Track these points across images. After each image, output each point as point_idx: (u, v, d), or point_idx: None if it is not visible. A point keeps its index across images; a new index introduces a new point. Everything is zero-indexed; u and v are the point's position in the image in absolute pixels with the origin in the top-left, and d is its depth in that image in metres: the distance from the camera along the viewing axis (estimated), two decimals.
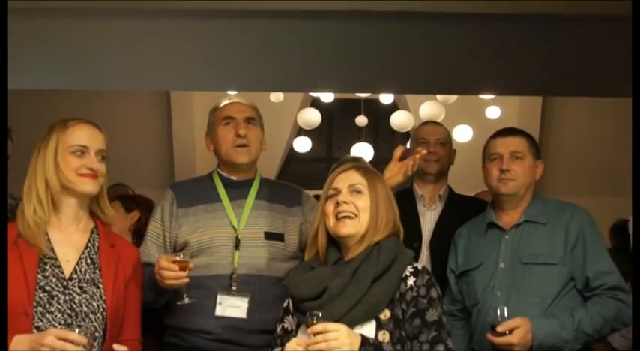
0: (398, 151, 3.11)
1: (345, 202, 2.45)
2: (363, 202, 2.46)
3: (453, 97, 6.35)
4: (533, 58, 4.34)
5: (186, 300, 2.68)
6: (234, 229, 2.87)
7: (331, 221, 2.47)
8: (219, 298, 2.79)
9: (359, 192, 2.48)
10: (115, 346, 2.37)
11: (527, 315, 2.76)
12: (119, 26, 4.24)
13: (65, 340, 2.20)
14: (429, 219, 3.63)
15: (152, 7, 4.05)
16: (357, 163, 2.59)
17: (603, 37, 4.04)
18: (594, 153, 7.11)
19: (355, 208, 2.45)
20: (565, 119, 7.31)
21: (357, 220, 2.45)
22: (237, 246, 2.84)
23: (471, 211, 3.31)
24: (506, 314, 2.70)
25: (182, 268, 2.60)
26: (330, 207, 2.48)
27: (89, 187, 2.53)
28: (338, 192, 2.49)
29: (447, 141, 3.76)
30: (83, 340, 2.21)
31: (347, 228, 2.44)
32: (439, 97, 6.29)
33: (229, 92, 4.74)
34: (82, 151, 2.54)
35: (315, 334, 2.24)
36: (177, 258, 2.62)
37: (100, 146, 2.58)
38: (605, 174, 6.89)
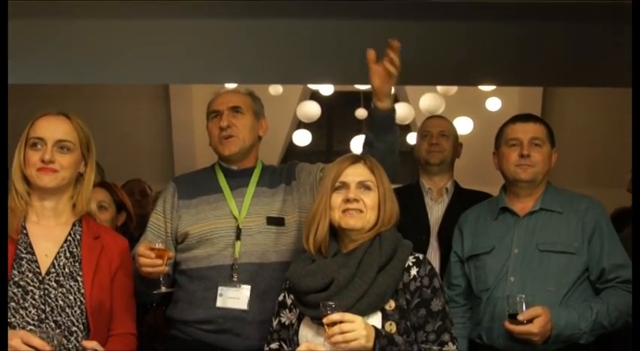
0: (370, 54, 2.68)
1: (355, 200, 2.45)
2: (372, 200, 2.47)
3: (453, 89, 6.34)
4: (533, 48, 4.34)
5: (163, 289, 2.64)
6: (236, 218, 2.86)
7: (337, 214, 2.46)
8: (220, 289, 2.78)
9: (368, 188, 2.48)
10: (84, 342, 2.35)
11: (543, 303, 2.74)
12: (120, 22, 4.24)
13: (28, 345, 2.17)
14: (436, 212, 3.71)
15: (153, 2, 4.06)
16: (364, 156, 2.58)
17: (603, 26, 4.03)
18: (595, 144, 7.10)
19: (364, 205, 2.45)
20: (565, 110, 7.30)
21: (364, 214, 2.45)
22: (238, 236, 2.83)
23: (477, 203, 3.31)
24: (524, 303, 2.67)
25: (159, 257, 2.56)
26: (336, 200, 2.47)
27: (46, 180, 2.48)
28: (346, 186, 2.48)
29: (450, 133, 3.87)
30: (46, 347, 2.17)
31: (354, 221, 2.44)
32: (439, 88, 6.27)
33: (228, 85, 4.73)
34: (36, 143, 2.49)
35: (330, 324, 2.22)
36: (156, 246, 2.59)
37: (60, 136, 2.50)
38: (606, 165, 6.88)
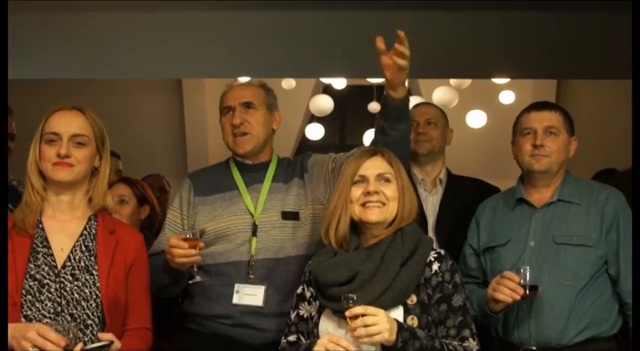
0: (379, 43, 2.58)
1: (375, 192, 2.45)
2: (392, 191, 2.47)
3: (467, 82, 6.31)
4: (547, 41, 4.32)
5: (198, 278, 2.67)
6: (252, 214, 2.86)
7: (357, 208, 2.46)
8: (237, 286, 2.79)
9: (387, 180, 2.48)
10: (100, 334, 2.37)
11: (559, 297, 2.74)
12: (133, 16, 4.25)
13: (44, 338, 2.20)
14: (431, 204, 3.62)
15: None
16: (381, 149, 2.57)
17: (618, 18, 4.00)
18: (609, 137, 7.05)
19: (385, 197, 2.46)
20: (580, 103, 7.24)
21: (385, 207, 2.46)
22: (254, 232, 2.83)
23: (472, 191, 3.28)
24: (528, 274, 2.67)
25: (192, 247, 2.58)
26: (356, 193, 2.47)
27: (61, 175, 2.49)
28: (365, 179, 2.48)
29: (437, 121, 3.75)
30: (61, 342, 2.20)
31: (375, 215, 2.45)
32: (452, 82, 6.24)
33: (241, 79, 4.73)
34: (53, 138, 2.51)
35: (353, 317, 2.23)
36: (188, 236, 2.61)
37: (75, 131, 2.52)
38: (621, 158, 6.85)
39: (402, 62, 2.54)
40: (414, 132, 3.69)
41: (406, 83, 2.70)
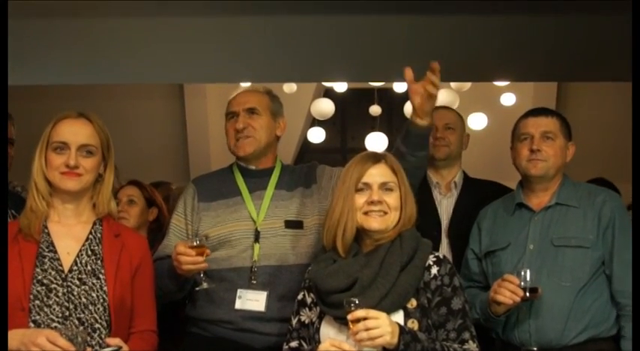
0: (408, 73, 2.71)
1: (378, 202, 2.46)
2: (394, 201, 2.48)
3: (467, 85, 6.32)
4: (547, 44, 4.33)
5: (205, 285, 2.68)
6: (254, 221, 2.87)
7: (359, 215, 2.47)
8: (239, 292, 2.80)
9: (390, 190, 2.49)
10: (108, 339, 2.37)
11: (558, 298, 2.75)
12: (135, 21, 4.26)
13: (54, 344, 2.20)
14: (445, 207, 3.62)
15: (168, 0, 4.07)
16: (385, 155, 2.58)
17: (618, 21, 4.00)
18: (609, 139, 7.06)
19: (387, 206, 2.47)
20: (580, 106, 7.26)
21: (387, 216, 2.47)
22: (256, 239, 2.84)
23: (488, 194, 3.28)
24: (527, 276, 2.69)
25: (199, 254, 2.59)
26: (359, 201, 2.48)
27: (70, 185, 2.50)
28: (369, 187, 2.49)
29: (456, 126, 3.75)
30: (70, 348, 2.20)
31: (377, 223, 2.46)
32: (453, 84, 6.26)
33: (242, 84, 4.74)
34: (61, 147, 2.51)
35: (354, 321, 2.23)
36: (195, 243, 2.62)
37: (83, 141, 2.53)
38: (620, 160, 6.85)
39: (434, 90, 2.64)
40: (432, 136, 3.70)
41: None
